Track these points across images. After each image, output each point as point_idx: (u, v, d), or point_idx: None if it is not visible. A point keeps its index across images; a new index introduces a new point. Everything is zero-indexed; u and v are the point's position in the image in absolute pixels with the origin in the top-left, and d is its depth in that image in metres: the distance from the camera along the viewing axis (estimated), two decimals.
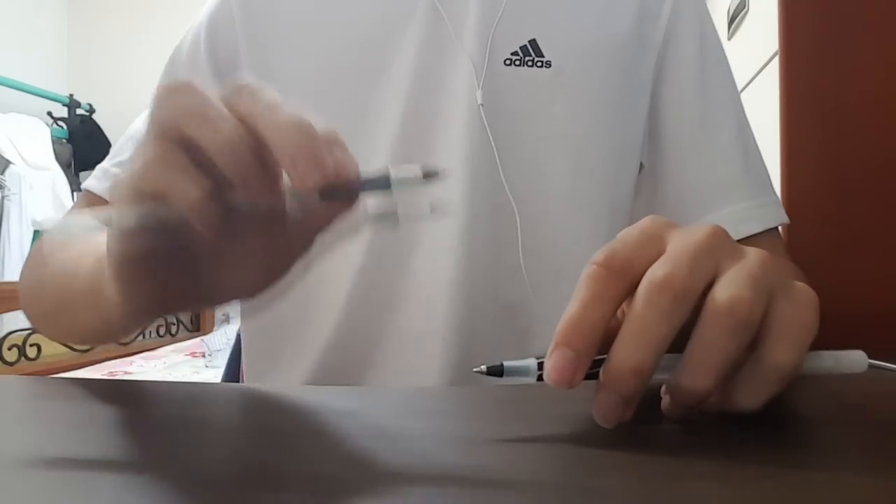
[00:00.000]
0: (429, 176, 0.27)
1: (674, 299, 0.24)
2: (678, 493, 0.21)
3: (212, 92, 0.28)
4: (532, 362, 0.27)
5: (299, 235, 0.31)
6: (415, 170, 0.27)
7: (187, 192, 0.26)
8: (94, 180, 0.62)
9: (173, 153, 0.27)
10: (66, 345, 2.11)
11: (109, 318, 0.39)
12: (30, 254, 0.58)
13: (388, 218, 0.27)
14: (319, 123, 0.27)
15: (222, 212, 0.27)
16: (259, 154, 0.27)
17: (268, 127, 0.26)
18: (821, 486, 0.21)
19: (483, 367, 0.27)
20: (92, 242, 0.50)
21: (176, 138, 0.27)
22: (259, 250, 0.31)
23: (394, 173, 0.27)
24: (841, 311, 0.60)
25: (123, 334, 0.43)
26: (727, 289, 0.25)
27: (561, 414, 0.30)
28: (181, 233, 0.27)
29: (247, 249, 0.31)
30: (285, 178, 0.28)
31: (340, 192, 0.27)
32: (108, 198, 0.60)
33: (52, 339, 0.62)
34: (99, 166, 0.63)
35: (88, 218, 0.28)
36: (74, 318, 0.45)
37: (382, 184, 0.27)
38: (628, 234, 0.27)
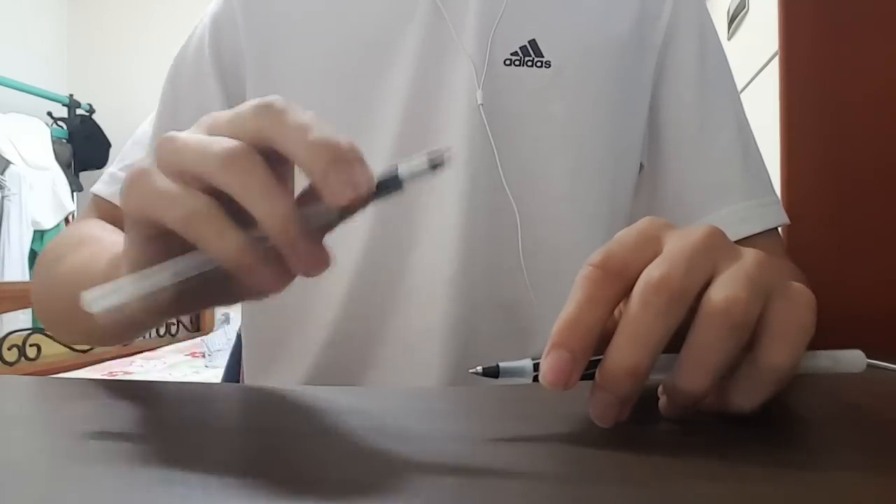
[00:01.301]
0: (436, 165, 0.27)
1: (670, 300, 0.24)
2: (676, 493, 0.21)
3: (237, 110, 0.28)
4: (528, 363, 0.27)
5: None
6: (422, 162, 0.27)
7: (224, 243, 0.26)
8: (102, 185, 0.63)
9: (210, 202, 0.26)
10: (66, 345, 2.11)
11: (126, 318, 0.39)
12: (40, 256, 0.59)
13: (392, 185, 0.27)
14: (341, 138, 0.27)
15: (255, 254, 0.27)
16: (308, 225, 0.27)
17: (296, 146, 0.26)
18: (820, 485, 0.22)
19: (479, 369, 0.27)
20: (105, 242, 0.51)
21: (214, 193, 0.27)
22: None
23: (402, 171, 0.27)
24: (841, 311, 0.60)
25: (140, 333, 0.43)
26: (723, 289, 0.25)
27: (560, 414, 0.30)
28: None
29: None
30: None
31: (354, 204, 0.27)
32: (116, 203, 0.61)
33: (67, 340, 0.62)
34: (107, 171, 0.64)
35: (128, 281, 0.28)
36: (88, 319, 0.45)
37: (394, 185, 0.27)
38: (625, 235, 0.27)
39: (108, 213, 0.61)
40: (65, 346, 2.16)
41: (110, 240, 0.52)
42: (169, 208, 0.27)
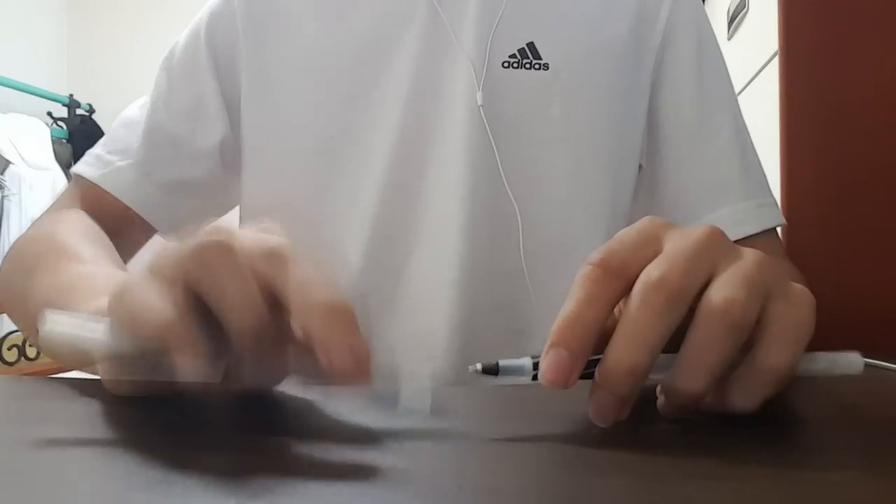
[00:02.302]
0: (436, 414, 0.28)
1: (669, 300, 0.24)
2: (675, 493, 0.21)
3: (241, 250, 0.27)
4: (527, 361, 0.27)
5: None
6: (426, 403, 0.28)
7: (192, 370, 0.25)
8: (85, 166, 0.61)
9: (188, 317, 0.26)
10: None
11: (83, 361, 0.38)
12: (10, 250, 0.57)
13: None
14: (342, 304, 0.26)
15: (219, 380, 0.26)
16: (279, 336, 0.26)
17: (298, 304, 0.26)
18: (819, 485, 0.22)
19: (478, 366, 0.27)
20: (83, 257, 0.49)
21: (194, 293, 0.26)
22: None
23: (403, 402, 0.28)
24: (840, 311, 0.60)
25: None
26: (722, 290, 0.25)
27: (560, 413, 0.30)
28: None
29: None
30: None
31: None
32: (103, 186, 0.60)
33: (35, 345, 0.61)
34: (91, 151, 0.62)
35: (88, 328, 0.27)
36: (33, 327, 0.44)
37: (392, 401, 0.28)
38: (625, 234, 0.27)
39: (91, 193, 0.60)
40: None
41: (88, 253, 0.50)
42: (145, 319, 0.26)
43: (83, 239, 0.54)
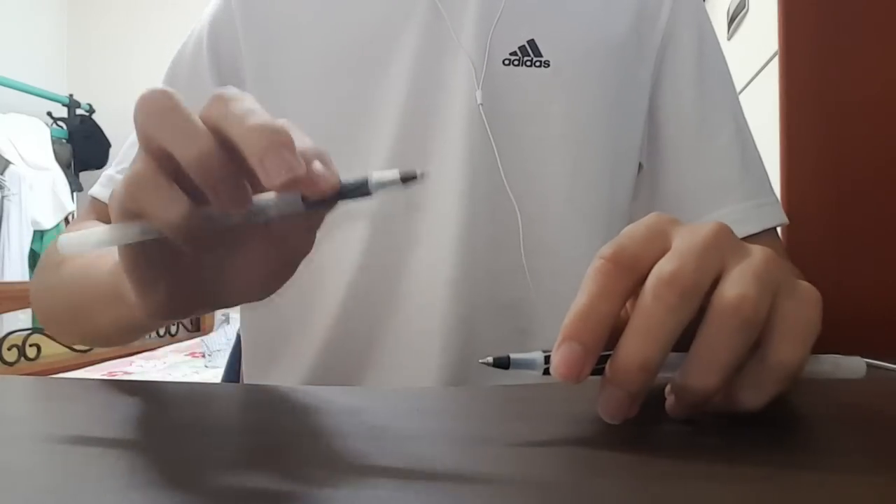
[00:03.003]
0: (407, 179, 0.28)
1: (681, 295, 0.24)
2: (679, 494, 0.21)
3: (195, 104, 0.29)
4: (539, 355, 0.27)
5: (294, 236, 0.32)
6: (393, 174, 0.28)
7: (164, 211, 0.27)
8: (99, 188, 0.63)
9: (153, 168, 0.28)
10: (65, 345, 2.11)
11: (127, 319, 0.40)
12: (42, 257, 0.59)
13: (360, 190, 0.28)
14: (305, 138, 0.28)
15: (202, 226, 0.28)
16: (233, 166, 0.27)
17: (237, 131, 0.27)
18: (821, 486, 0.22)
19: (489, 359, 0.27)
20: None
21: (155, 151, 0.28)
22: (255, 256, 0.32)
23: (372, 179, 0.28)
24: (840, 311, 0.60)
25: (140, 334, 0.42)
26: (733, 287, 0.25)
27: (562, 413, 0.30)
28: (172, 245, 0.28)
29: (243, 256, 0.32)
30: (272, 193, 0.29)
31: (321, 201, 0.28)
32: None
33: (68, 341, 0.63)
34: (104, 173, 0.64)
35: (96, 232, 0.30)
36: (91, 320, 0.46)
37: (362, 190, 0.28)
38: (634, 229, 0.27)
39: (106, 215, 0.61)
40: (65, 346, 2.16)
41: None
42: (130, 191, 0.28)
43: None
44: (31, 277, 0.61)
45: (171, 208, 0.27)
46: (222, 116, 0.28)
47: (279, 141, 0.26)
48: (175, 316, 0.33)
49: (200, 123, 0.27)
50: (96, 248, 0.30)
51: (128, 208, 0.28)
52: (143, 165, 0.28)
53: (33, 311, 2.15)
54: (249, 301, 0.34)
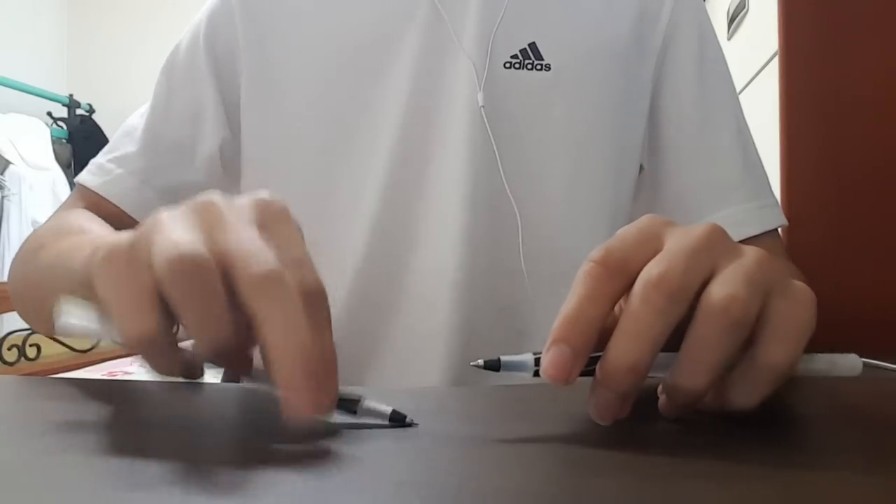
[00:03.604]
0: (395, 421, 0.28)
1: (669, 297, 0.25)
2: (675, 493, 0.21)
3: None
4: (529, 357, 0.27)
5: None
6: (385, 410, 0.28)
7: (160, 367, 0.28)
8: (88, 175, 0.62)
9: (163, 330, 0.26)
10: (66, 345, 2.10)
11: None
12: (23, 244, 0.58)
13: (348, 410, 0.28)
14: (317, 353, 0.26)
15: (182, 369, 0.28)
16: (240, 337, 0.26)
17: (275, 345, 0.25)
18: (818, 485, 0.22)
19: (480, 362, 0.28)
20: (91, 234, 0.50)
21: (162, 293, 0.26)
22: None
23: (364, 405, 0.28)
24: (840, 311, 0.60)
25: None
26: (722, 287, 0.25)
27: (560, 413, 0.30)
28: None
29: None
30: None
31: None
32: (103, 194, 0.60)
33: (43, 331, 0.61)
34: (94, 161, 0.63)
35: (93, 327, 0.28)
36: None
37: (349, 407, 0.28)
38: (626, 232, 0.27)
39: (94, 203, 0.60)
40: (65, 346, 2.16)
41: (96, 232, 0.51)
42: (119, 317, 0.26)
43: (89, 220, 0.55)
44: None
45: (165, 366, 0.28)
46: (254, 295, 0.25)
47: (314, 376, 0.25)
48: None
49: (226, 308, 0.25)
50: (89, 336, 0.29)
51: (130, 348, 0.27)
52: (152, 325, 0.26)
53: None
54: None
